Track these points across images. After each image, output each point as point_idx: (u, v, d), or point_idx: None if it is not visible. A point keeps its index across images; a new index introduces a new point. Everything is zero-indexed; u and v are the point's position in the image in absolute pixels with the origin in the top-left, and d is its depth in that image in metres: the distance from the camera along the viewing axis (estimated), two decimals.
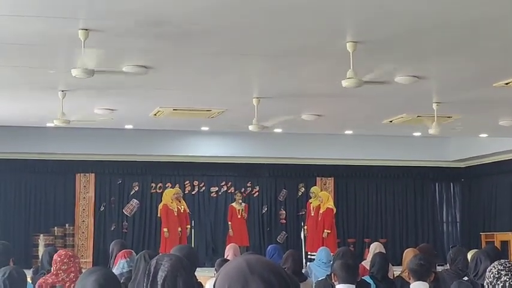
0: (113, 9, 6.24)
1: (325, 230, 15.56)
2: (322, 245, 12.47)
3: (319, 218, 15.75)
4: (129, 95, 10.37)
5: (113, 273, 3.71)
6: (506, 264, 2.85)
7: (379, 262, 7.45)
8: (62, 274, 5.73)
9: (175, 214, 15.37)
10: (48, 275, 5.88)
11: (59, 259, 5.81)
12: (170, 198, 15.54)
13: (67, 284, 5.67)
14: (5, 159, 16.10)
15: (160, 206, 15.66)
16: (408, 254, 7.84)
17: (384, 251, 9.20)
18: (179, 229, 15.31)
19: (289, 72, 8.87)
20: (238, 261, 1.87)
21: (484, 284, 2.89)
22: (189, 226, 15.73)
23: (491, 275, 2.83)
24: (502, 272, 2.81)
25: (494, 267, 2.87)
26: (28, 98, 10.60)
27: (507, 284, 2.79)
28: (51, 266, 6.69)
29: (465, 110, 11.62)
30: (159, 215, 15.79)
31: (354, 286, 5.72)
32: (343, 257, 7.18)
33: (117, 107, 11.31)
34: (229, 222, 16.19)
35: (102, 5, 6.13)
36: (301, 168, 17.90)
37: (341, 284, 5.70)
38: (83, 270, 4.20)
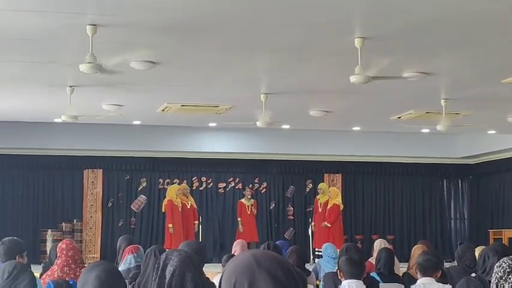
0: (121, 5, 6.24)
1: (325, 222, 15.57)
2: (330, 241, 12.45)
3: (326, 214, 15.76)
4: (137, 91, 10.38)
5: (115, 267, 3.72)
6: None
7: (385, 257, 7.43)
8: (73, 265, 5.76)
9: (180, 210, 15.37)
10: (57, 266, 5.89)
11: (64, 246, 5.88)
12: (175, 193, 15.55)
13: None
14: (13, 155, 16.13)
15: (164, 202, 15.68)
16: (416, 251, 7.83)
17: (388, 247, 9.16)
18: (183, 225, 15.30)
19: (297, 68, 8.87)
20: (245, 256, 1.87)
21: (493, 279, 2.87)
22: (197, 222, 15.73)
23: (502, 270, 2.83)
24: None
25: (504, 262, 2.86)
26: (36, 94, 10.62)
27: None
28: None
29: (474, 107, 11.59)
30: (163, 211, 15.81)
31: (360, 281, 5.70)
32: (348, 253, 7.17)
33: (125, 102, 11.32)
34: (239, 219, 16.19)
35: (110, 1, 6.14)
36: (309, 164, 17.89)
37: (347, 280, 5.69)
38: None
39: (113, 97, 10.93)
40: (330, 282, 6.22)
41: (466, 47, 7.82)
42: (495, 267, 2.88)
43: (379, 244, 9.33)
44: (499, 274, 2.83)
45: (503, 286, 2.80)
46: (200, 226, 15.85)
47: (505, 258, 2.88)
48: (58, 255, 5.97)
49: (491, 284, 2.86)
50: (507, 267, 2.82)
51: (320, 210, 16.01)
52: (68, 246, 5.94)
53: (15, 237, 6.33)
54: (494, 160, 17.71)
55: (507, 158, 17.15)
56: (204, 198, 17.40)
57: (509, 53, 8.07)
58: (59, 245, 6.09)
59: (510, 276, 2.79)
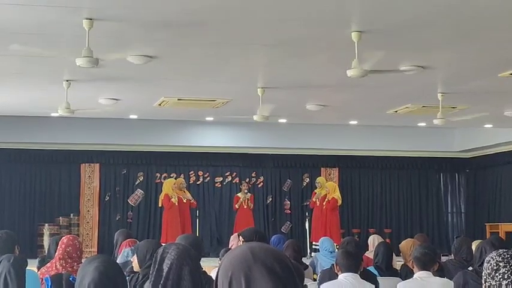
0: None
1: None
2: (327, 235, 12.47)
3: (324, 208, 15.78)
4: (133, 85, 10.36)
5: (114, 260, 3.73)
6: (504, 255, 2.80)
7: (383, 251, 7.45)
8: (69, 259, 5.76)
9: (176, 204, 15.38)
10: (54, 261, 5.89)
11: (65, 240, 5.89)
12: (170, 188, 15.56)
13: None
14: (10, 149, 16.13)
15: (161, 196, 15.68)
16: (404, 245, 7.80)
17: (385, 241, 9.14)
18: (180, 219, 15.32)
19: (294, 62, 8.85)
20: (241, 249, 1.87)
21: (483, 274, 2.85)
22: (194, 202, 15.74)
23: (490, 267, 2.79)
24: (501, 264, 2.78)
25: (492, 258, 2.82)
26: (33, 88, 10.60)
27: (505, 276, 2.76)
28: None
29: (470, 101, 11.59)
30: (160, 205, 15.82)
31: (357, 274, 5.70)
32: (346, 247, 7.18)
33: (122, 97, 11.31)
34: (236, 205, 16.22)
35: None
36: (306, 158, 17.89)
37: (343, 273, 5.69)
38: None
39: (110, 91, 10.91)
40: (326, 279, 6.24)
41: (463, 41, 7.81)
42: (485, 262, 2.85)
43: (372, 240, 9.33)
44: (487, 271, 2.79)
45: (490, 283, 2.78)
46: (197, 220, 15.85)
47: (493, 254, 2.84)
48: (57, 248, 5.99)
49: (482, 279, 2.85)
50: (494, 264, 2.78)
51: (318, 204, 16.02)
52: (68, 242, 5.93)
53: (7, 230, 6.32)
54: (491, 154, 17.72)
55: (503, 152, 17.16)
56: (200, 193, 17.41)
57: (506, 47, 8.06)
58: (62, 238, 6.09)
59: (497, 274, 2.77)
